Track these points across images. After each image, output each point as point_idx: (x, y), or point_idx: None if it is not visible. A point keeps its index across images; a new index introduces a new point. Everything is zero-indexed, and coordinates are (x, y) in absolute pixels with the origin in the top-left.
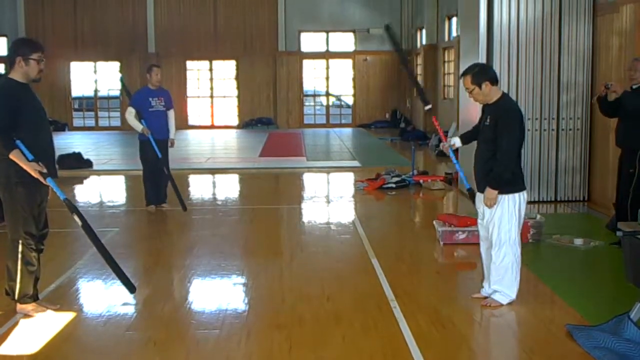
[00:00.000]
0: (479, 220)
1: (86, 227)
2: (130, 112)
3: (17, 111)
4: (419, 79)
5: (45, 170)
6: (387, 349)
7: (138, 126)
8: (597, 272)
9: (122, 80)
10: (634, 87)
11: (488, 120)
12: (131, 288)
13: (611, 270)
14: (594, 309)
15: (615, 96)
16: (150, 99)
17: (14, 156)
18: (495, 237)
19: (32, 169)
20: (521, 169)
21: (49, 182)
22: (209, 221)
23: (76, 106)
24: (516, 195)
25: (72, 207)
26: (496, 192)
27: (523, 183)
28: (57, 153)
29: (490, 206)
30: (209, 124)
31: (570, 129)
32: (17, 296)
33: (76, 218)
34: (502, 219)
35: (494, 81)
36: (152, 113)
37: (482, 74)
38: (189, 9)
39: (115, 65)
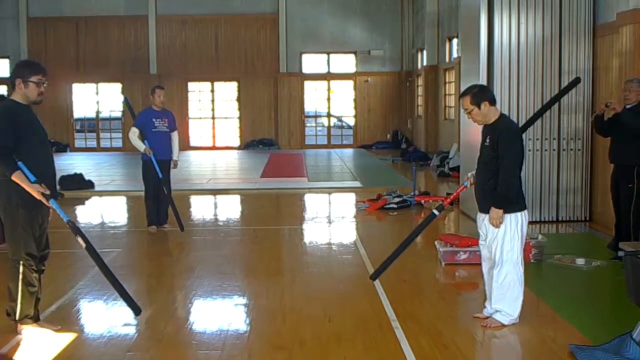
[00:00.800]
0: (480, 241)
1: (90, 249)
2: (134, 132)
3: (18, 132)
4: (420, 100)
5: (48, 192)
6: None
7: (141, 146)
8: (599, 292)
9: (126, 100)
10: (627, 107)
11: (487, 141)
12: (136, 310)
13: (613, 290)
14: (597, 329)
15: (613, 113)
16: (154, 119)
17: (16, 177)
18: (497, 256)
19: (35, 191)
20: (522, 189)
21: (52, 203)
22: (210, 242)
23: (78, 127)
24: (518, 214)
25: (76, 229)
26: (502, 211)
27: (524, 203)
28: (59, 174)
29: (496, 226)
30: (211, 145)
31: (571, 149)
32: (17, 317)
33: (80, 240)
34: (505, 238)
35: (493, 101)
36: (155, 133)
37: (481, 94)
38: (191, 31)
39: (117, 86)
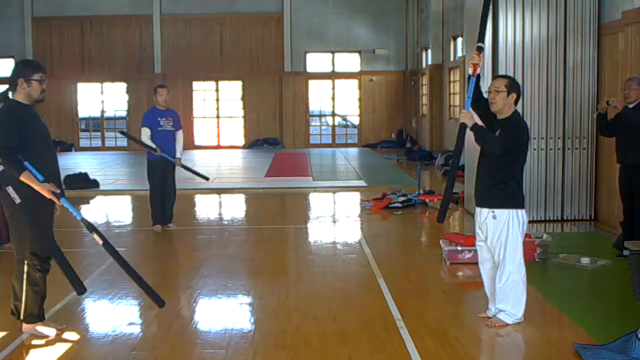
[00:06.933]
0: (478, 242)
1: (107, 245)
2: (146, 132)
3: (22, 133)
4: (425, 99)
5: (58, 191)
6: None
7: (154, 147)
8: (604, 291)
9: (123, 133)
10: (630, 106)
11: (497, 133)
12: (160, 302)
13: (619, 289)
14: (602, 328)
15: (616, 111)
16: (159, 118)
17: (25, 178)
18: (501, 257)
19: (45, 190)
20: (522, 189)
21: (63, 202)
22: (215, 241)
23: (83, 127)
24: (519, 212)
25: (91, 226)
26: (469, 114)
27: (523, 201)
28: (64, 173)
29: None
30: (215, 144)
31: (576, 148)
32: (22, 316)
33: (96, 237)
34: (508, 238)
35: (518, 99)
36: (161, 132)
37: (517, 86)
38: (195, 30)
39: (122, 86)
